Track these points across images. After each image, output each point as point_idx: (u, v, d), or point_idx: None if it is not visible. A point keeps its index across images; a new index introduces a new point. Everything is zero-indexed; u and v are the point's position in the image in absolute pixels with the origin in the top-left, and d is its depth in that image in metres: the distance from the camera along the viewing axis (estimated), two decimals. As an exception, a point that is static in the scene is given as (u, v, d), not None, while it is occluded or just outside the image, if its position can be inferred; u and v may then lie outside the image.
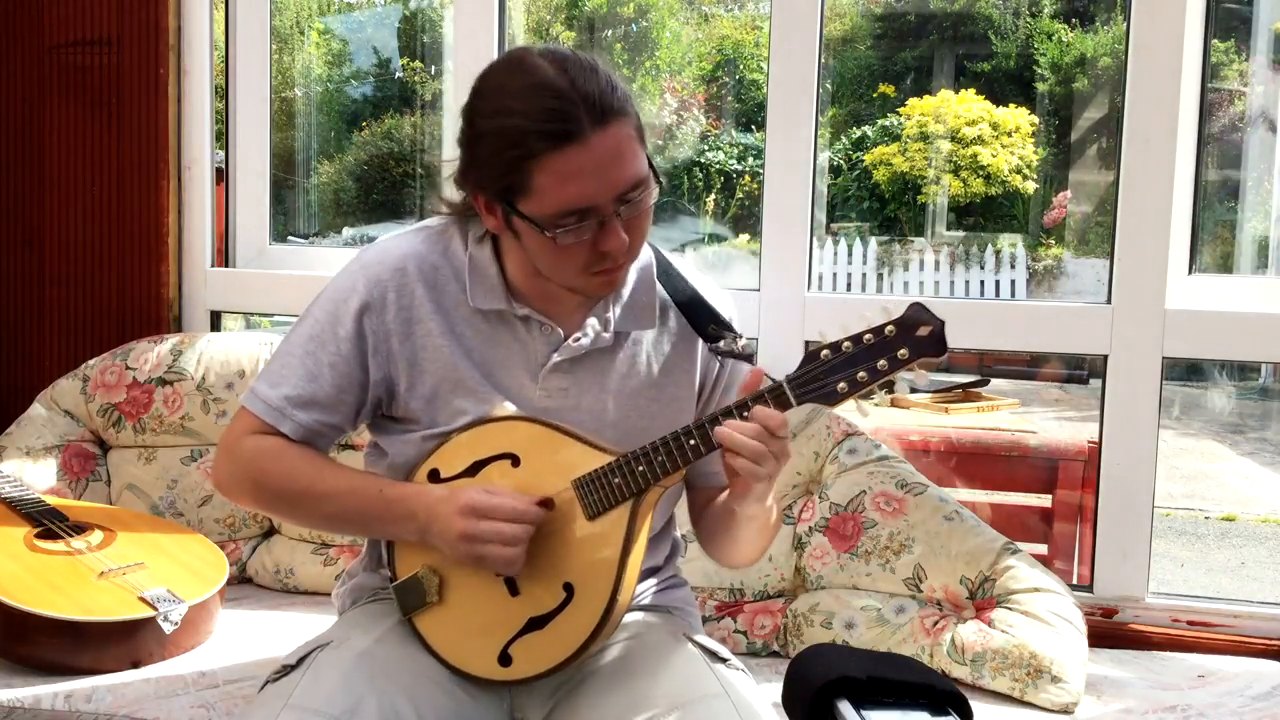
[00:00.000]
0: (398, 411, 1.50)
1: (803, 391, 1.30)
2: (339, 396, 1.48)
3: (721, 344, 1.44)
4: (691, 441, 1.33)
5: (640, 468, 1.35)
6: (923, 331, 1.26)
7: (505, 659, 1.40)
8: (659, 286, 1.52)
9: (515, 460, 1.42)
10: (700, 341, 1.51)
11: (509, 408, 1.45)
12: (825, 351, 1.29)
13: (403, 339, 1.47)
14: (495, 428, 1.44)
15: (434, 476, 1.45)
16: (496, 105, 1.35)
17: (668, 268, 1.53)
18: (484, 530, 1.34)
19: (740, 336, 1.45)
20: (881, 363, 1.27)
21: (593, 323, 1.48)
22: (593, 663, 1.45)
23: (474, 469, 1.43)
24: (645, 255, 1.52)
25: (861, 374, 1.27)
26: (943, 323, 1.26)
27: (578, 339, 1.47)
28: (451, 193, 1.50)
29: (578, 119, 1.30)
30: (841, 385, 1.28)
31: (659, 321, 1.52)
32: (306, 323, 1.50)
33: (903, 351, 1.26)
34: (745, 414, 1.31)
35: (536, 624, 1.39)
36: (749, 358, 1.44)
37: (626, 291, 1.50)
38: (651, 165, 1.38)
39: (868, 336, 1.27)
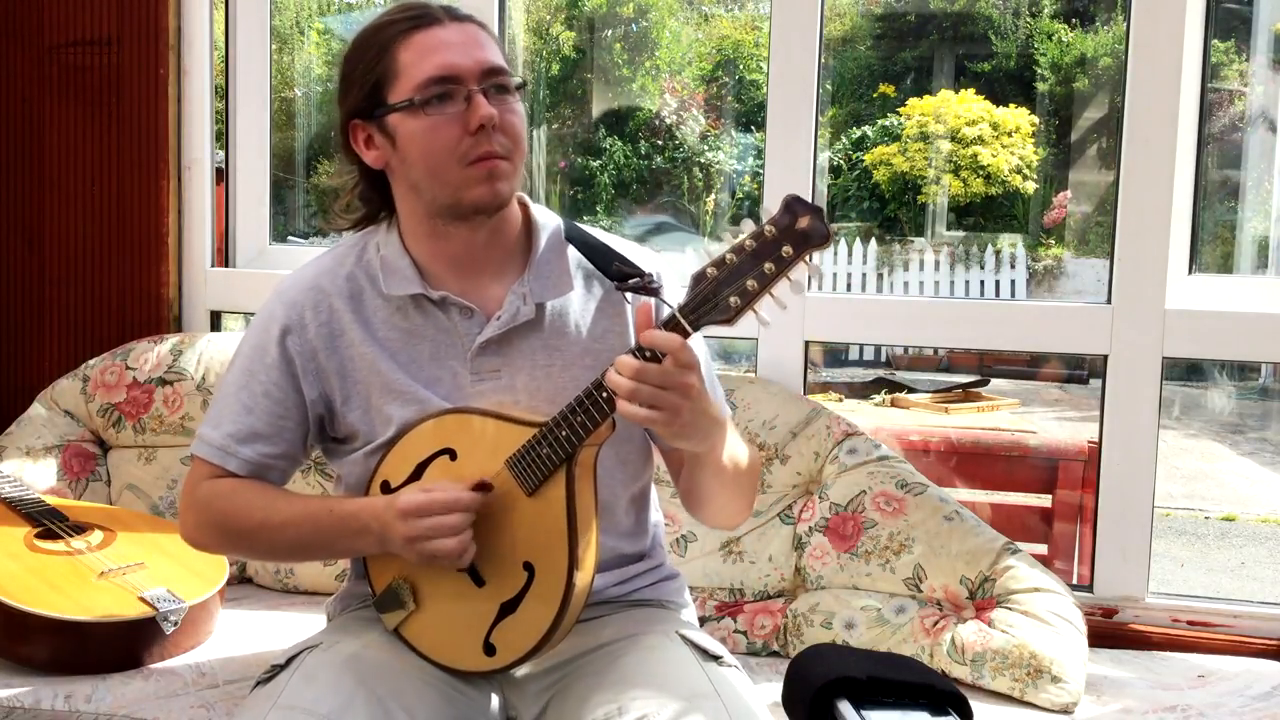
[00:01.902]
0: (340, 429, 1.52)
1: (696, 315, 1.25)
2: (278, 424, 1.50)
3: (626, 283, 1.41)
4: (604, 394, 1.30)
5: (564, 432, 1.33)
6: (803, 223, 1.21)
7: (489, 649, 1.41)
8: (570, 249, 1.52)
9: (452, 454, 1.42)
10: (632, 300, 1.49)
11: (435, 405, 1.45)
12: (710, 269, 1.24)
13: (329, 353, 1.49)
14: (427, 427, 1.44)
15: (385, 488, 1.46)
16: (365, 28, 1.46)
17: (577, 231, 1.53)
18: (424, 528, 1.35)
19: (651, 276, 1.40)
20: (768, 265, 1.22)
21: (511, 298, 1.47)
22: (585, 661, 1.45)
23: (417, 472, 1.44)
24: (553, 221, 1.53)
25: (750, 282, 1.23)
26: (820, 209, 1.22)
27: (498, 317, 1.47)
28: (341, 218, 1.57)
29: (434, 11, 1.43)
30: (733, 299, 1.23)
31: (583, 287, 1.52)
32: (236, 362, 1.54)
33: (786, 249, 1.22)
34: (643, 349, 1.27)
35: (508, 609, 1.40)
36: (654, 291, 1.38)
37: (539, 261, 1.50)
38: (519, 79, 1.45)
39: (748, 243, 1.23)
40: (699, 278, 1.25)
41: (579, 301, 1.52)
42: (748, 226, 1.25)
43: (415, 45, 1.41)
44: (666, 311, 1.28)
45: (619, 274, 1.41)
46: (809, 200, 1.23)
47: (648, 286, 1.38)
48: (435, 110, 1.39)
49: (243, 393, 1.50)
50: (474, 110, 1.39)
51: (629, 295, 1.48)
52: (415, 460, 1.44)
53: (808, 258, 1.23)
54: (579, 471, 1.37)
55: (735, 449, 1.46)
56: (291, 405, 1.50)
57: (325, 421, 1.53)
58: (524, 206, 1.54)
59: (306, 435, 1.52)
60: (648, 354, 1.27)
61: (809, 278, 1.26)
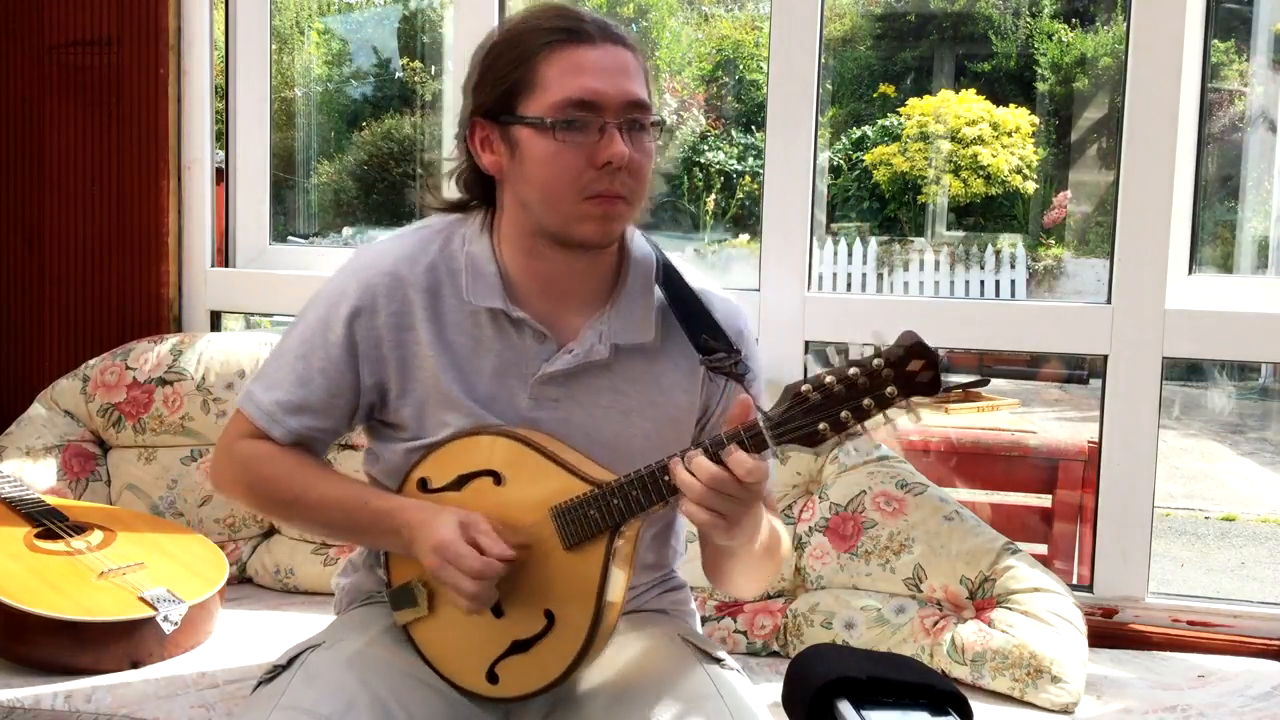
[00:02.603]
0: (389, 417, 1.48)
1: (781, 433, 1.21)
2: (330, 401, 1.47)
3: (713, 358, 1.38)
4: (667, 478, 1.26)
5: (616, 501, 1.30)
6: (914, 366, 1.16)
7: (493, 677, 1.39)
8: (658, 291, 1.46)
9: (498, 479, 1.39)
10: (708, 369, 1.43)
11: (490, 420, 1.42)
12: (808, 388, 1.19)
13: (394, 344, 1.44)
14: (482, 442, 1.40)
15: (423, 485, 1.44)
16: (513, 24, 1.38)
17: (670, 271, 1.47)
18: (448, 576, 1.32)
19: (739, 353, 1.38)
20: (868, 401, 1.17)
21: (588, 333, 1.42)
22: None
23: (459, 482, 1.41)
24: (648, 256, 1.48)
25: (845, 413, 1.18)
26: (939, 358, 1.17)
27: (571, 350, 1.42)
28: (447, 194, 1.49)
29: (590, 27, 1.34)
30: (823, 426, 1.18)
31: (660, 335, 1.45)
32: (299, 326, 1.49)
33: (891, 389, 1.17)
34: (719, 452, 1.23)
35: (520, 647, 1.37)
36: (740, 378, 1.35)
37: (624, 298, 1.44)
38: (659, 116, 1.37)
39: (854, 371, 1.18)
40: (795, 394, 1.20)
41: (655, 348, 1.45)
42: (860, 351, 1.20)
43: (561, 61, 1.32)
44: (749, 411, 1.23)
45: (707, 348, 1.38)
46: (931, 346, 1.17)
47: (735, 373, 1.35)
48: (565, 136, 1.31)
49: (300, 363, 1.46)
50: (605, 145, 1.31)
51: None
52: (459, 470, 1.41)
53: (912, 405, 1.18)
54: (621, 540, 1.33)
55: (769, 537, 1.41)
56: (346, 386, 1.46)
57: (376, 407, 1.49)
58: (626, 234, 1.48)
59: (354, 415, 1.49)
60: (719, 453, 1.23)
61: (914, 423, 1.21)
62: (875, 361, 1.17)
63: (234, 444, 1.50)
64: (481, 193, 1.46)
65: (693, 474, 1.23)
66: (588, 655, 1.35)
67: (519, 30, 1.37)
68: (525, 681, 1.38)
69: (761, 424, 1.21)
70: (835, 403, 1.18)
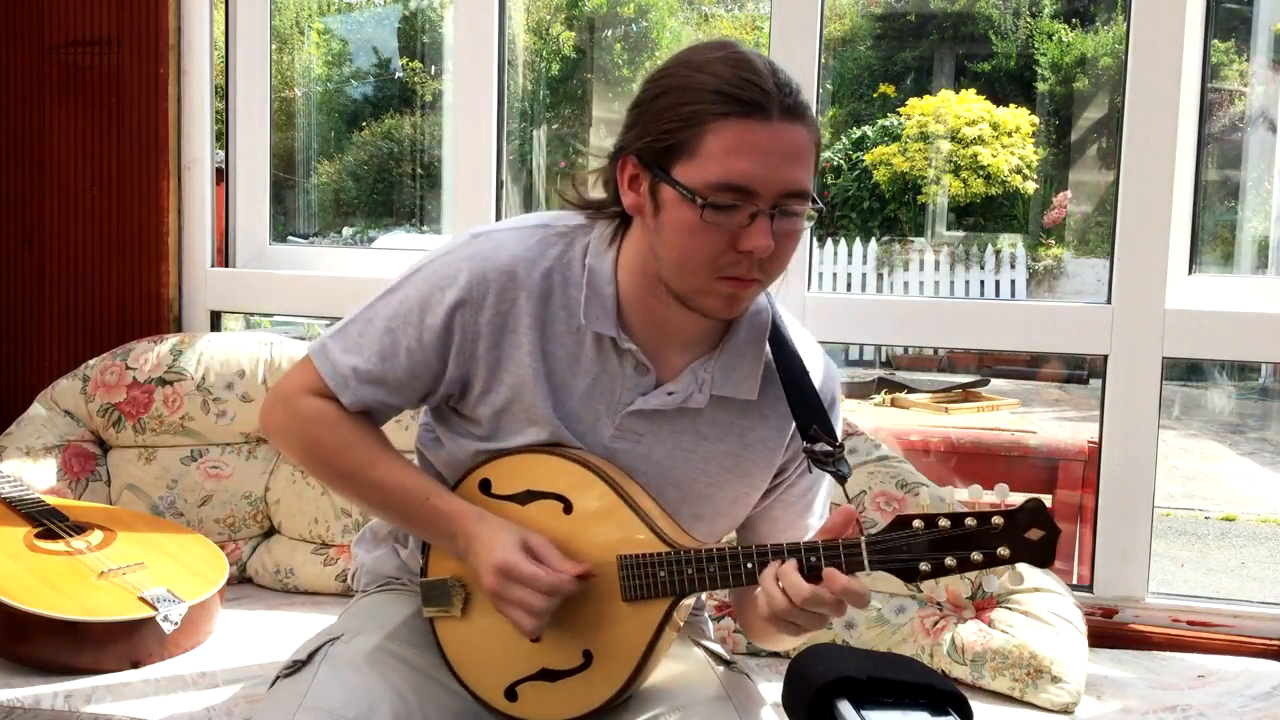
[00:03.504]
0: (465, 410, 1.43)
1: (881, 559, 1.19)
2: (408, 382, 1.41)
3: (818, 448, 1.33)
4: (749, 565, 1.24)
5: (689, 571, 1.27)
6: (1033, 535, 1.15)
7: (512, 694, 1.37)
8: (768, 352, 1.40)
9: (568, 507, 1.34)
10: (793, 427, 1.40)
11: (570, 441, 1.38)
12: (918, 523, 1.17)
13: (491, 345, 1.38)
14: (559, 463, 1.36)
15: (485, 487, 1.39)
16: (693, 65, 1.27)
17: (781, 333, 1.41)
18: (513, 595, 1.29)
19: (841, 447, 1.34)
20: (976, 555, 1.16)
21: (689, 378, 1.38)
22: None
23: (525, 497, 1.37)
24: (761, 310, 1.42)
25: (950, 560, 1.17)
26: (1058, 533, 1.15)
27: (670, 392, 1.37)
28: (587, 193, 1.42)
29: (769, 101, 1.24)
30: (925, 566, 1.18)
31: (759, 389, 1.41)
32: (397, 295, 1.41)
33: (1003, 550, 1.15)
34: (814, 560, 1.22)
35: (548, 675, 1.35)
36: (842, 479, 1.32)
37: (731, 349, 1.40)
38: (815, 196, 1.30)
39: (970, 521, 1.16)
40: (903, 524, 1.19)
41: (751, 405, 1.41)
42: (980, 498, 1.19)
43: (729, 136, 1.23)
44: (850, 526, 1.22)
45: (813, 436, 1.34)
46: (1052, 518, 1.16)
47: (838, 472, 1.33)
48: (714, 217, 1.24)
49: (387, 336, 1.39)
50: (751, 234, 1.24)
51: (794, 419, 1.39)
52: (529, 485, 1.37)
53: (1017, 568, 1.17)
54: (680, 610, 1.32)
55: None
56: (429, 372, 1.40)
57: (454, 398, 1.43)
58: None
59: (427, 398, 1.44)
60: (813, 561, 1.22)
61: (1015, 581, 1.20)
62: (994, 518, 1.16)
63: (296, 396, 1.43)
64: (620, 213, 1.38)
65: (783, 590, 1.22)
66: (613, 706, 1.33)
67: (697, 82, 1.26)
68: (544, 709, 1.36)
69: (864, 545, 1.20)
70: (942, 545, 1.18)
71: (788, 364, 1.39)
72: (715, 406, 1.40)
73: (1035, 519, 1.16)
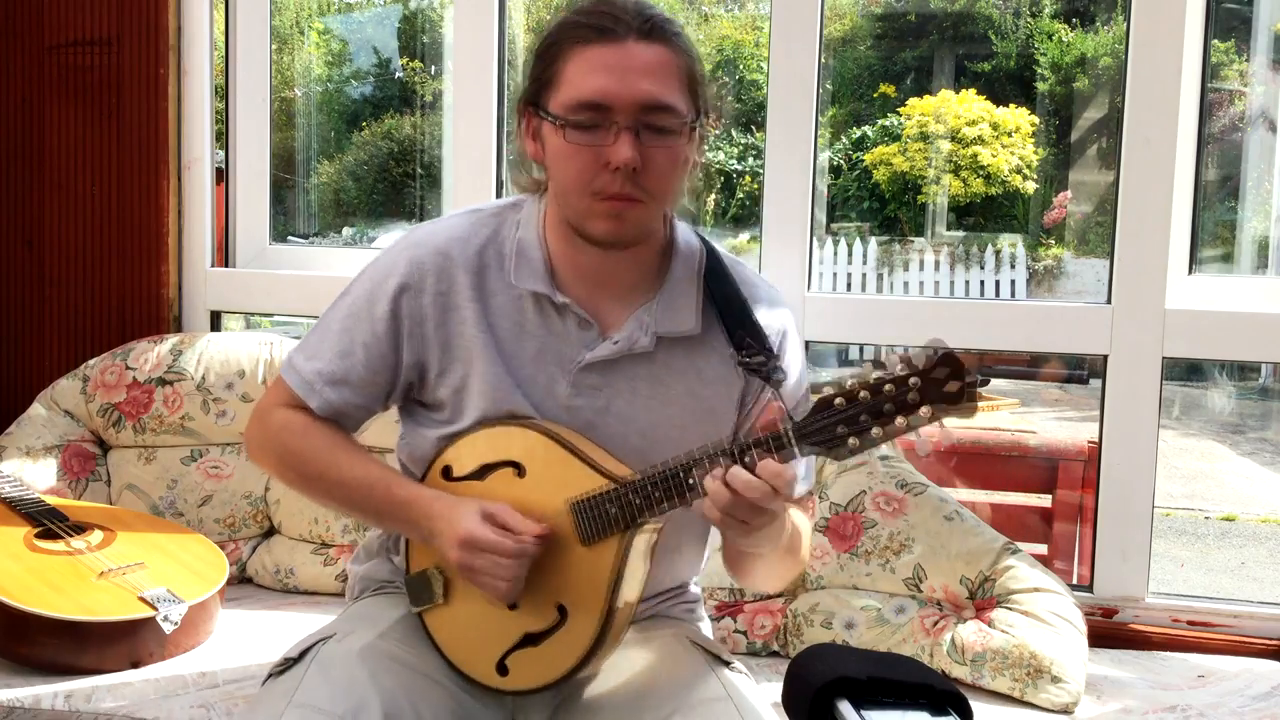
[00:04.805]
0: (426, 397, 1.48)
1: (807, 443, 1.21)
2: (369, 377, 1.47)
3: (747, 357, 1.37)
4: (690, 480, 1.27)
5: (636, 500, 1.30)
6: (950, 387, 1.14)
7: (503, 669, 1.39)
8: (704, 286, 1.45)
9: (520, 471, 1.39)
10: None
11: (522, 407, 1.42)
12: (838, 399, 1.18)
13: (438, 324, 1.44)
14: (505, 431, 1.41)
15: (447, 473, 1.44)
16: (558, 15, 1.38)
17: (715, 265, 1.46)
18: (481, 565, 1.33)
19: (775, 356, 1.37)
20: (900, 419, 1.16)
21: (632, 323, 1.43)
22: None
23: (482, 472, 1.41)
24: (694, 249, 1.48)
25: (875, 429, 1.17)
26: (975, 378, 1.14)
27: (614, 339, 1.42)
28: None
29: (622, 25, 1.32)
30: (852, 440, 1.18)
31: (703, 327, 1.45)
32: (347, 298, 1.49)
33: (924, 409, 1.15)
34: (745, 457, 1.24)
35: (531, 640, 1.38)
36: (773, 381, 1.34)
37: (669, 289, 1.45)
38: (699, 116, 1.36)
39: (887, 387, 1.16)
40: (824, 404, 1.19)
41: (699, 341, 1.45)
42: (891, 360, 1.18)
43: (583, 60, 1.33)
44: (778, 417, 1.24)
45: (742, 344, 1.37)
46: (964, 362, 1.15)
47: (765, 374, 1.35)
48: (576, 137, 1.32)
49: (343, 336, 1.47)
50: (613, 149, 1.31)
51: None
52: (483, 460, 1.41)
53: (941, 421, 1.16)
54: (638, 539, 1.33)
55: (791, 538, 1.41)
56: (387, 363, 1.46)
57: (414, 386, 1.49)
58: (670, 226, 1.49)
59: (392, 393, 1.49)
60: (745, 457, 1.23)
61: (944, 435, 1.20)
62: (911, 378, 1.15)
63: (270, 411, 1.51)
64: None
65: (723, 482, 1.23)
66: (597, 653, 1.35)
67: (558, 23, 1.37)
68: (534, 675, 1.38)
69: (787, 431, 1.21)
70: (863, 413, 1.18)
71: (721, 290, 1.44)
72: (667, 350, 1.44)
73: (949, 369, 1.15)
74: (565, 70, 1.33)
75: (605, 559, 1.33)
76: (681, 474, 1.27)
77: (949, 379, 1.14)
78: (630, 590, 1.35)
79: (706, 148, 1.45)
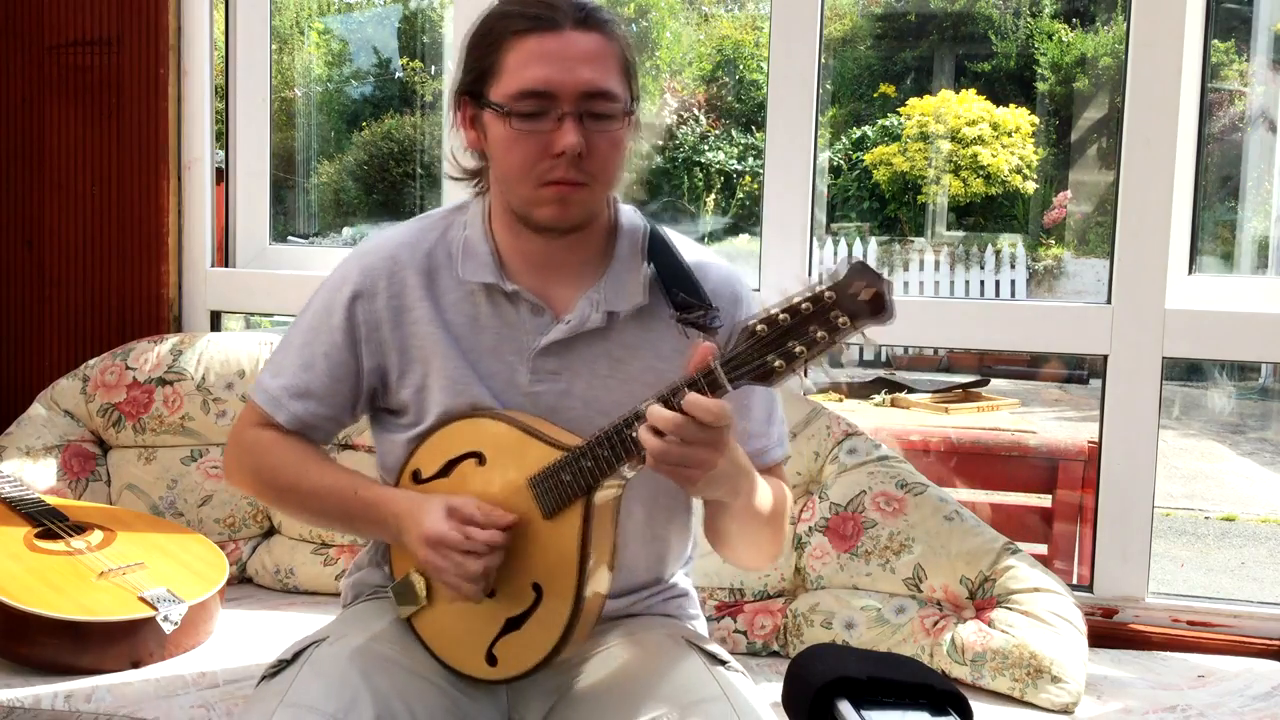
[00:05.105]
0: (391, 402, 1.51)
1: (737, 373, 1.20)
2: (333, 386, 1.50)
3: (686, 314, 1.38)
4: (634, 433, 1.25)
5: (588, 463, 1.30)
6: (864, 295, 1.14)
7: (491, 659, 1.40)
8: (648, 263, 1.47)
9: (481, 459, 1.41)
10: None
11: (484, 398, 1.44)
12: (760, 326, 1.18)
13: (394, 326, 1.47)
14: (465, 425, 1.43)
15: (416, 477, 1.46)
16: (491, 7, 1.41)
17: (658, 241, 1.48)
18: (445, 563, 1.34)
19: (712, 313, 1.37)
20: (820, 333, 1.15)
21: (583, 303, 1.45)
22: (591, 665, 1.44)
23: (447, 468, 1.43)
24: (637, 227, 1.51)
25: (799, 347, 1.16)
26: (888, 284, 1.15)
27: (567, 321, 1.44)
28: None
29: (560, 14, 1.36)
30: (778, 362, 1.17)
31: (653, 301, 1.47)
32: (305, 314, 1.53)
33: (843, 319, 1.15)
34: (676, 398, 1.22)
35: (513, 624, 1.39)
36: (711, 329, 1.34)
37: (616, 266, 1.47)
38: (633, 101, 1.40)
39: (804, 305, 1.16)
40: (748, 332, 1.19)
41: (649, 315, 1.47)
42: (808, 282, 1.19)
43: (523, 50, 1.36)
44: (709, 355, 1.23)
45: (680, 303, 1.39)
46: (876, 271, 1.15)
47: (705, 325, 1.35)
48: (521, 125, 1.35)
49: (305, 349, 1.50)
50: (559, 136, 1.35)
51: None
52: (447, 456, 1.43)
53: (863, 330, 1.17)
54: (599, 504, 1.34)
55: (765, 499, 1.42)
56: (348, 371, 1.49)
57: (378, 393, 1.51)
58: (614, 209, 1.51)
59: (357, 402, 1.52)
60: (677, 400, 1.22)
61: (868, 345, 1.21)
62: (826, 293, 1.16)
63: (242, 433, 1.54)
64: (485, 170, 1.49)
65: (654, 427, 1.22)
66: (576, 624, 1.35)
67: (495, 15, 1.40)
68: (522, 659, 1.38)
69: (716, 366, 1.21)
70: (786, 336, 1.17)
71: (664, 261, 1.46)
72: (621, 329, 1.46)
73: (862, 278, 1.15)
74: (506, 60, 1.36)
75: (570, 528, 1.34)
76: (625, 429, 1.27)
77: (863, 288, 1.15)
78: (600, 554, 1.36)
79: (640, 134, 1.49)
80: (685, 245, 1.51)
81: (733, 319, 1.44)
